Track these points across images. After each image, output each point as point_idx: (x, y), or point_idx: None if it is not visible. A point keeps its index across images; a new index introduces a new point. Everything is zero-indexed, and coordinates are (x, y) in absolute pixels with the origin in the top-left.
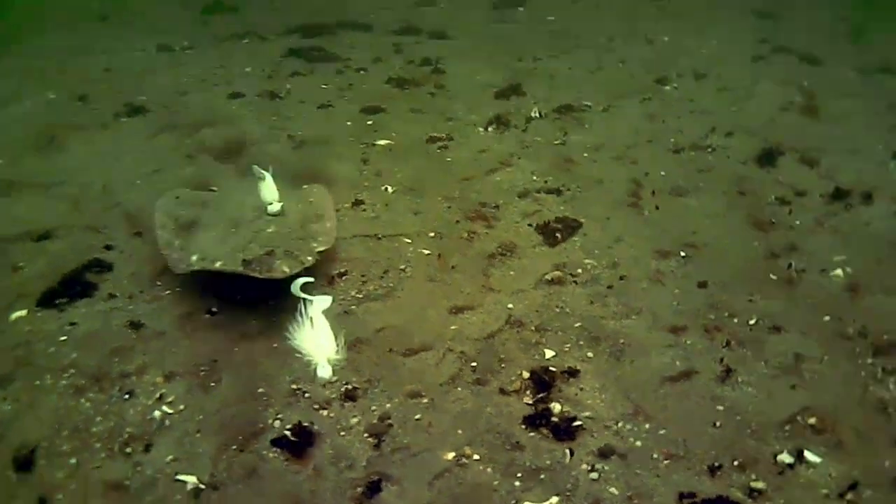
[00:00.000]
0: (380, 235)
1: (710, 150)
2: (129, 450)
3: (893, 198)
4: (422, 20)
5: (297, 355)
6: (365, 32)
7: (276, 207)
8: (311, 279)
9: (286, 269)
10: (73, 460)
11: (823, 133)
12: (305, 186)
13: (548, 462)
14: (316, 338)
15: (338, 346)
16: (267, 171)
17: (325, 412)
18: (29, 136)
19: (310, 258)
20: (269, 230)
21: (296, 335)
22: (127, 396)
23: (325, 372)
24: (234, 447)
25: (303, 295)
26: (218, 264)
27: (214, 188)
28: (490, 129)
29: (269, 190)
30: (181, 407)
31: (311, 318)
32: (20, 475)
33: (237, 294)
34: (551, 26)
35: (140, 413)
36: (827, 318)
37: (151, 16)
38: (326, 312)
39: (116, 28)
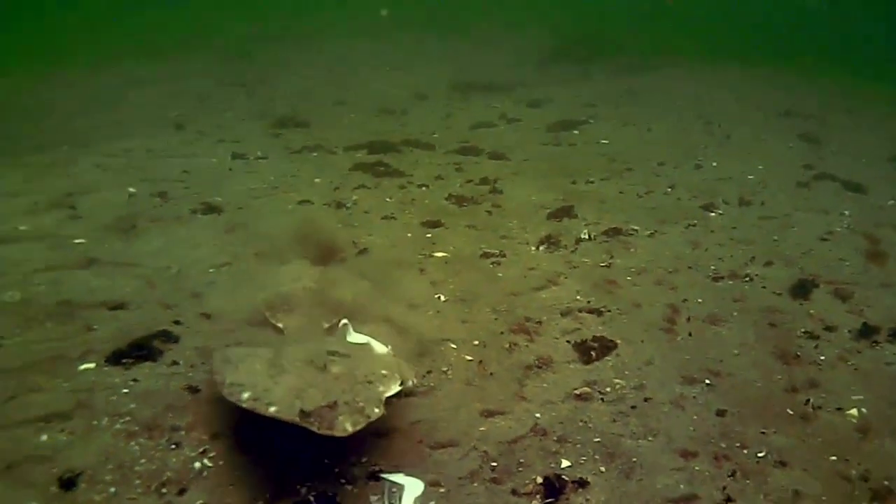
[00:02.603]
0: (428, 339)
1: (747, 279)
2: (164, 490)
3: None
4: (481, 141)
5: None
6: (427, 151)
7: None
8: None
9: (348, 427)
10: (113, 490)
11: (860, 265)
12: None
13: None
14: None
15: None
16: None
17: (350, 487)
18: (111, 222)
19: (376, 410)
20: (335, 370)
21: None
22: (173, 447)
23: None
24: (261, 503)
25: (391, 479)
26: (272, 409)
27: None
28: (541, 248)
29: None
30: (221, 462)
31: None
32: (61, 492)
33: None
34: (604, 149)
35: (182, 462)
36: (833, 457)
37: (226, 127)
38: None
39: (192, 137)
